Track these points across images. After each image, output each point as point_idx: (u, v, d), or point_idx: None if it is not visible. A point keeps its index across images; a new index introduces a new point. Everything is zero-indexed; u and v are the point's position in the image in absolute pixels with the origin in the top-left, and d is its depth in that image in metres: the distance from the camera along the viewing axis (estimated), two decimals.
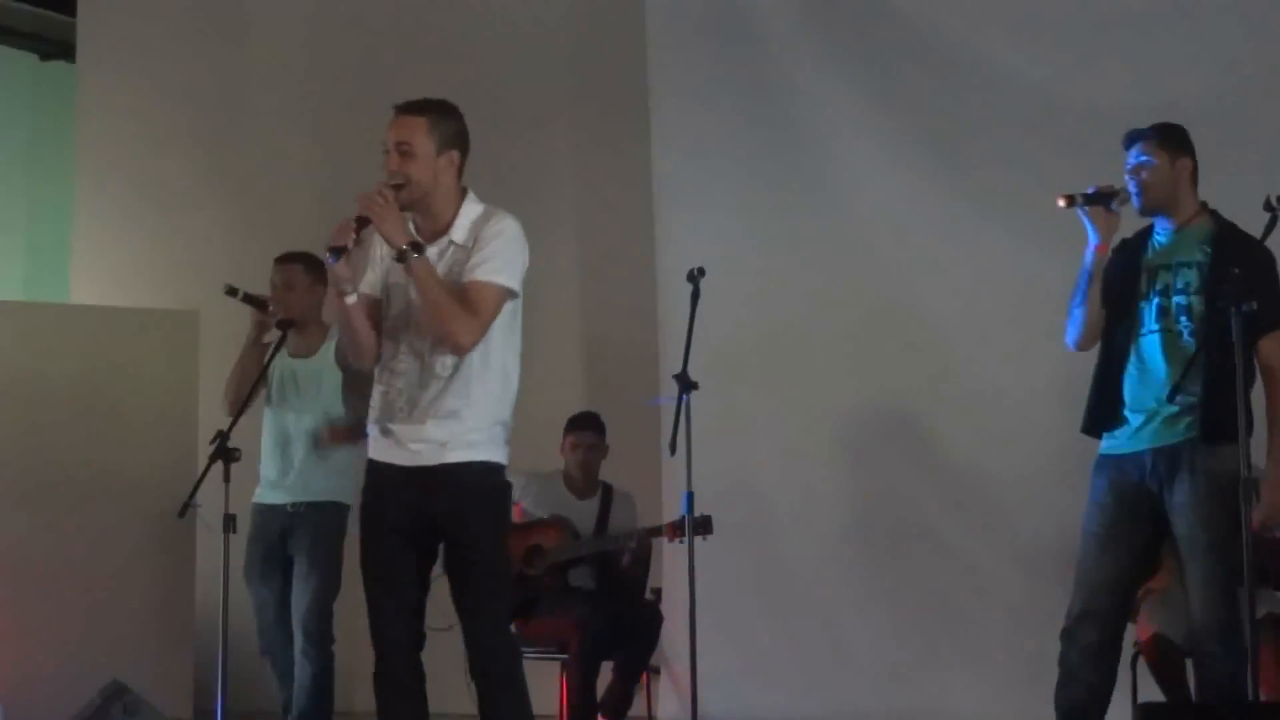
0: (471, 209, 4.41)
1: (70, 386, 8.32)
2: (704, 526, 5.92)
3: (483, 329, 4.27)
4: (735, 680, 7.26)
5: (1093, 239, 4.93)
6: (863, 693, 7.12)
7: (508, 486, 4.47)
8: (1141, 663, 5.61)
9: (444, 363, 4.31)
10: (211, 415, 7.13)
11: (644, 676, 6.73)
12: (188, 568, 8.34)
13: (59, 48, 10.76)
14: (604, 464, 6.94)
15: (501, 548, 4.41)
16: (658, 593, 6.86)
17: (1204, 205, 4.95)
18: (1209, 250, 4.82)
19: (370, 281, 4.44)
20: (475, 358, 4.32)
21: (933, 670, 7.02)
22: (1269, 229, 4.61)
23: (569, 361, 8.38)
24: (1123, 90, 6.68)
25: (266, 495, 6.15)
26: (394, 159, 4.32)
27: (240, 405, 6.02)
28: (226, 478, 5.78)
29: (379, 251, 4.44)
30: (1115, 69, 6.81)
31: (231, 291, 5.94)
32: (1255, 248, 4.75)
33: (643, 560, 6.65)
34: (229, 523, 5.81)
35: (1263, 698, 4.81)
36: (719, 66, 7.78)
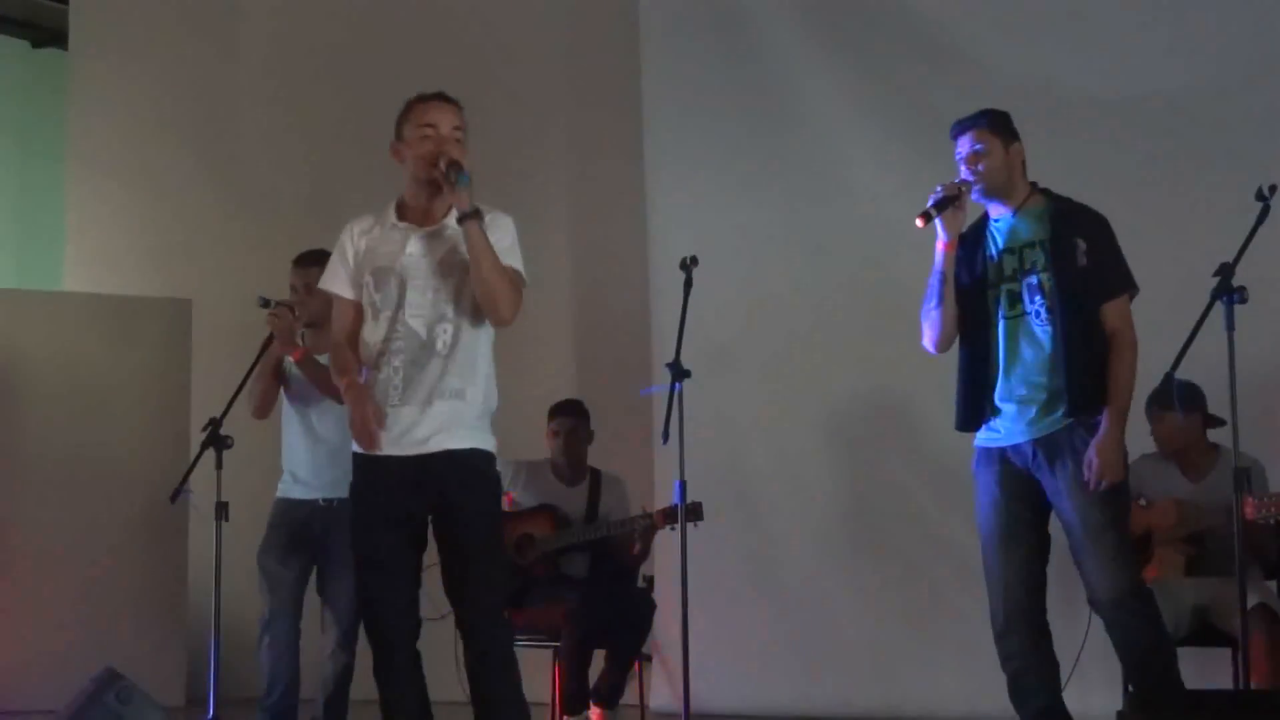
0: None
1: (63, 374, 8.32)
2: (694, 513, 5.92)
3: (519, 307, 4.36)
4: (727, 669, 7.27)
5: (943, 236, 4.91)
6: (854, 681, 7.13)
7: (499, 475, 4.56)
8: None
9: (444, 341, 4.35)
10: (204, 402, 7.13)
11: (636, 664, 6.73)
12: (180, 555, 8.34)
13: (51, 35, 10.75)
14: (597, 452, 6.94)
15: (498, 536, 4.50)
16: (650, 580, 6.87)
17: (1034, 185, 4.97)
18: (1049, 227, 4.83)
19: (350, 281, 4.50)
20: (480, 338, 4.41)
21: (924, 660, 7.03)
22: (1260, 219, 4.61)
23: (561, 350, 8.38)
24: (1115, 82, 6.70)
25: (294, 490, 6.09)
26: (451, 142, 4.39)
27: (267, 408, 6.03)
28: (219, 465, 5.78)
29: (351, 249, 4.51)
30: (1107, 61, 6.81)
31: (265, 303, 5.86)
32: (1092, 217, 4.83)
33: (647, 543, 6.65)
34: (221, 510, 5.80)
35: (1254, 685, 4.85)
36: (712, 57, 7.78)
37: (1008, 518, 4.84)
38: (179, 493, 5.86)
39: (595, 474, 6.85)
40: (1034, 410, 4.78)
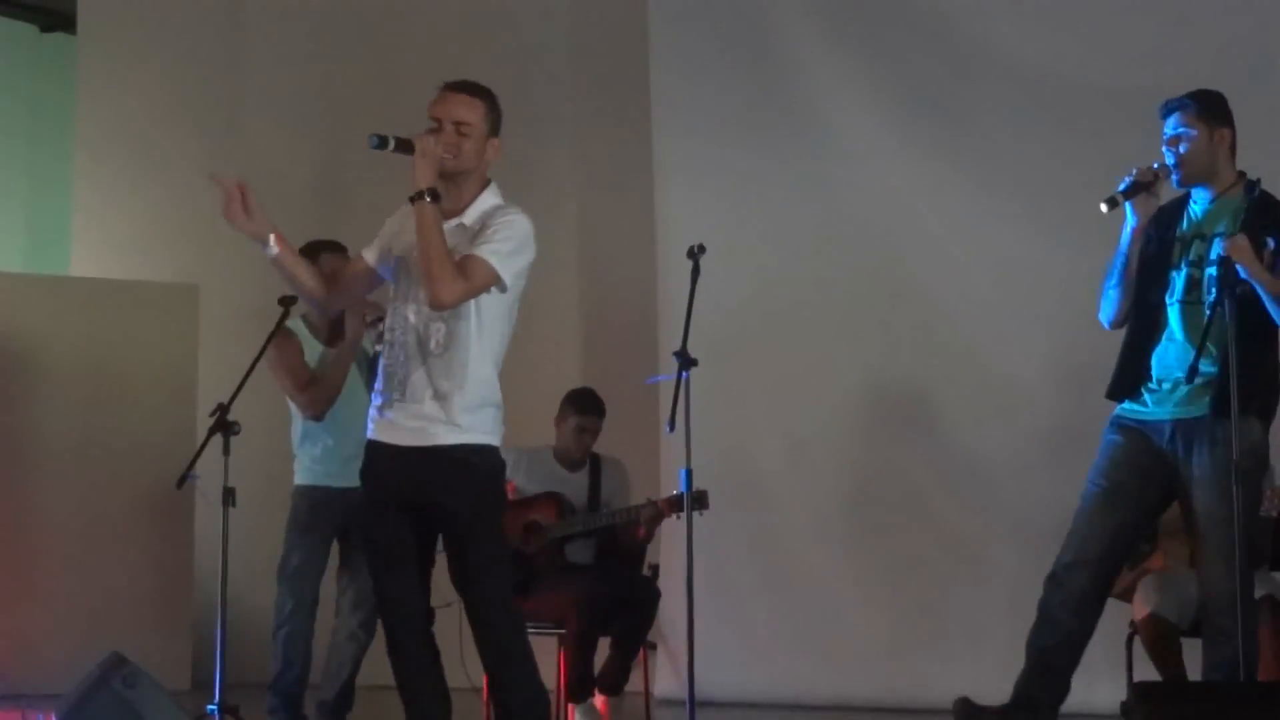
0: (489, 199, 4.49)
1: (70, 358, 8.33)
2: (700, 501, 5.92)
3: (465, 295, 4.30)
4: (732, 657, 7.28)
5: (1131, 221, 4.87)
6: (859, 670, 7.14)
7: (501, 466, 4.54)
8: (1137, 642, 5.62)
9: (437, 340, 4.37)
10: (211, 388, 7.15)
11: (641, 652, 6.73)
12: (186, 540, 8.37)
13: (60, 19, 10.74)
14: (602, 440, 6.94)
15: (495, 526, 4.47)
16: (654, 568, 6.87)
17: (1242, 175, 4.88)
18: (1242, 221, 4.76)
19: (381, 250, 4.53)
20: (471, 339, 4.38)
21: (929, 648, 7.04)
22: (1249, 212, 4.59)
23: (568, 337, 8.39)
24: (1127, 70, 6.69)
25: (325, 478, 6.10)
26: (449, 135, 4.39)
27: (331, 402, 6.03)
28: (226, 450, 5.79)
29: (391, 225, 4.54)
30: (1120, 49, 6.81)
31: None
32: None
33: (653, 528, 6.65)
34: (228, 495, 5.81)
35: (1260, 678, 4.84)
36: (721, 43, 7.77)
37: (1118, 481, 4.84)
38: (186, 478, 5.87)
39: (595, 459, 6.85)
40: (1184, 392, 4.76)
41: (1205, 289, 4.77)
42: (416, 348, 4.39)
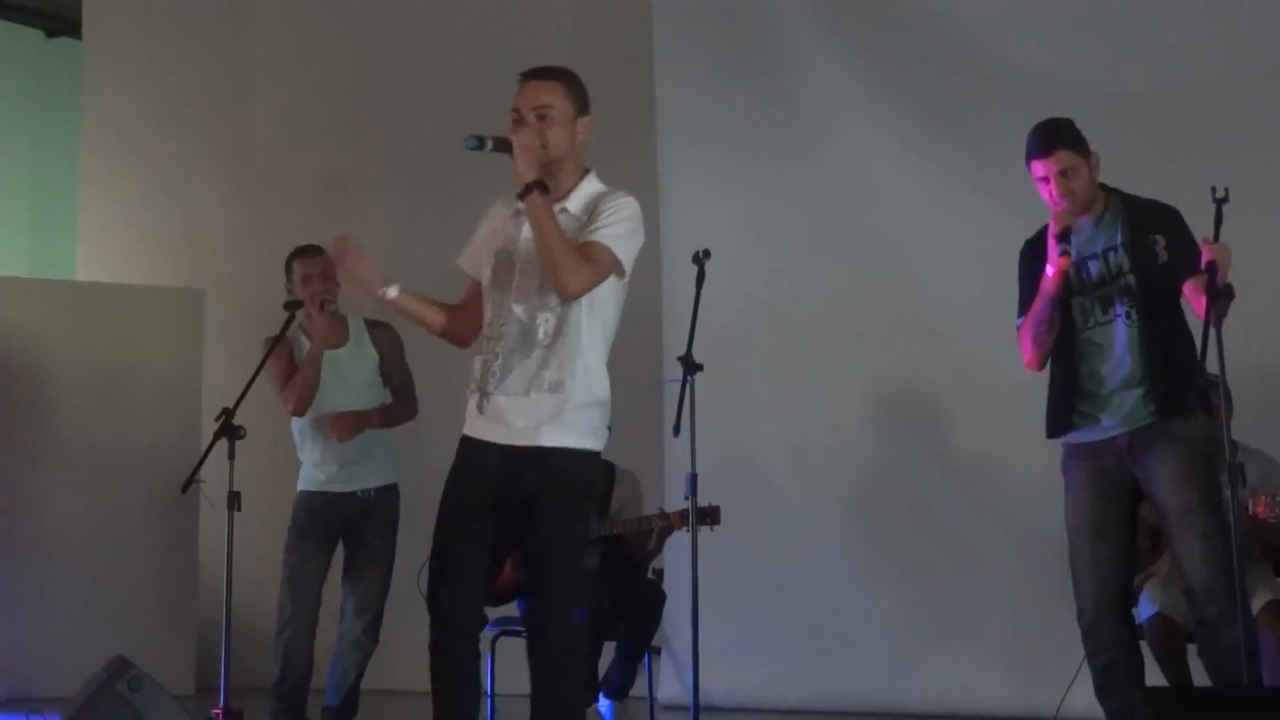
0: (592, 184, 4.38)
1: (75, 363, 8.35)
2: (712, 516, 5.90)
3: (592, 281, 4.20)
4: (737, 662, 7.28)
5: (1059, 264, 4.83)
6: (864, 676, 7.13)
7: (599, 474, 4.41)
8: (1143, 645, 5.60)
9: (545, 330, 4.24)
10: (215, 392, 7.15)
11: (646, 656, 6.72)
12: (191, 544, 8.37)
13: (65, 24, 10.77)
14: (608, 445, 6.91)
15: (579, 539, 4.31)
16: (659, 573, 6.86)
17: (1103, 187, 4.91)
18: (1128, 229, 4.81)
19: (475, 259, 4.42)
20: (582, 326, 4.28)
21: (933, 654, 7.04)
22: (1217, 221, 4.59)
23: None
24: (1132, 74, 6.69)
25: (324, 483, 6.09)
26: (531, 124, 4.23)
27: (309, 401, 6.02)
28: (231, 455, 5.79)
29: (485, 226, 4.42)
30: (1117, 56, 6.82)
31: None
32: (1164, 211, 4.79)
33: (661, 542, 6.65)
34: (233, 500, 5.82)
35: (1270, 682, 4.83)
36: (725, 49, 7.78)
37: (1097, 514, 4.82)
38: (191, 482, 5.87)
39: (609, 468, 6.84)
40: (1128, 405, 4.76)
41: (1116, 304, 4.79)
42: (520, 339, 4.25)
